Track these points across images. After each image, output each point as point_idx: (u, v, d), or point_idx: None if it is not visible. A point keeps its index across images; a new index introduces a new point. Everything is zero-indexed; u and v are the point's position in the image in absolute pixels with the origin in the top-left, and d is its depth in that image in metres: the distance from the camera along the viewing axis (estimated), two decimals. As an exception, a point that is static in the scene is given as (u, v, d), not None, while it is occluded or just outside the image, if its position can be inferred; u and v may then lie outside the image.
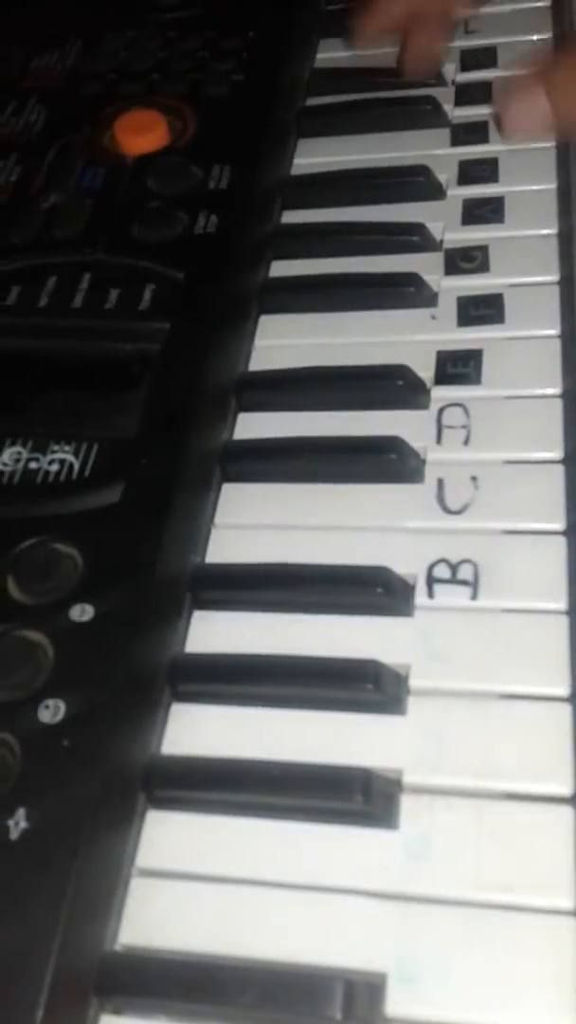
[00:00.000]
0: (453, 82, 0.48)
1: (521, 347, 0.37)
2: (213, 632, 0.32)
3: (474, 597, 0.31)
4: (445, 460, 0.34)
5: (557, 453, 0.34)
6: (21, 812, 0.26)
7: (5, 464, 0.34)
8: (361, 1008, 0.24)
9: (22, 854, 0.25)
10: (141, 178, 0.43)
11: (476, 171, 0.43)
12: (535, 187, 0.42)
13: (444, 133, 0.45)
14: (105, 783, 0.27)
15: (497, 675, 0.29)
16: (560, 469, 0.33)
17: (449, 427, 0.35)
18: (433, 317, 0.39)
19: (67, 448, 0.34)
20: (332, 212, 0.43)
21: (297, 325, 0.40)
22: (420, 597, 0.31)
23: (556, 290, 0.38)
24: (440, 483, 0.34)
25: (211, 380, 0.36)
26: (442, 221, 0.42)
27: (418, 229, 0.41)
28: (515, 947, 0.25)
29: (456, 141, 0.45)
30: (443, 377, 0.36)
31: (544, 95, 0.37)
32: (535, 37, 0.48)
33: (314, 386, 0.37)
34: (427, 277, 0.40)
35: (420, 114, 0.46)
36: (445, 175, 0.43)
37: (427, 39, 0.46)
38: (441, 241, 0.41)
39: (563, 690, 0.29)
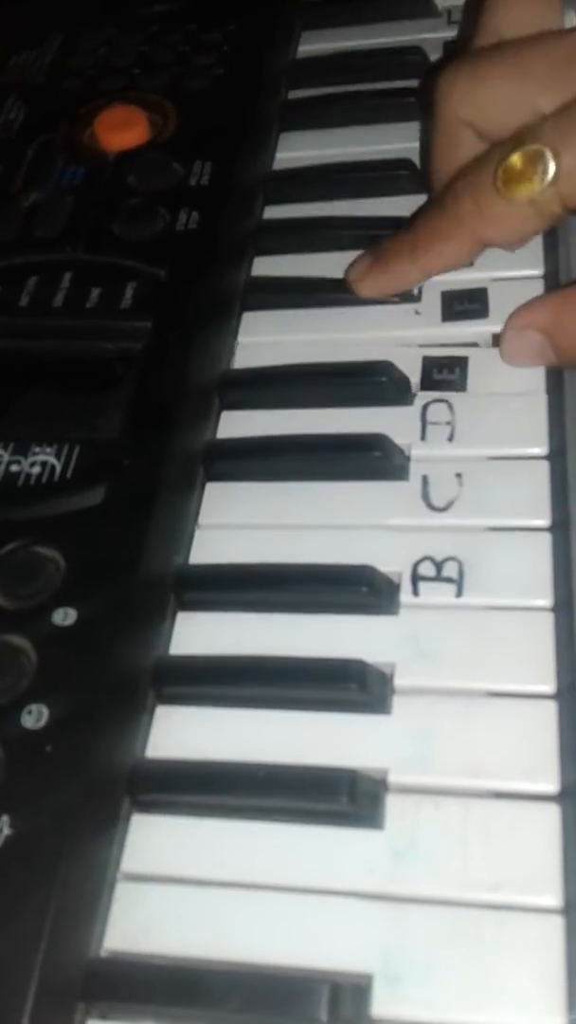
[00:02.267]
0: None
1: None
2: (197, 634, 0.32)
3: (459, 595, 0.31)
4: (429, 457, 0.34)
5: (542, 449, 0.33)
6: (5, 819, 0.26)
7: (-14, 467, 0.34)
8: (347, 1009, 0.24)
9: (6, 860, 0.25)
10: (122, 175, 0.43)
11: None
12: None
13: (427, 127, 0.45)
14: (89, 788, 0.27)
15: (483, 673, 0.29)
16: (545, 465, 0.33)
17: (433, 423, 0.35)
18: (417, 312, 0.38)
19: (49, 450, 0.34)
20: (315, 207, 0.43)
21: (280, 322, 0.39)
22: (405, 595, 0.31)
23: (541, 284, 0.38)
24: (425, 480, 0.34)
25: (194, 378, 0.36)
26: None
27: (401, 223, 0.41)
28: (502, 946, 0.25)
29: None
30: (429, 384, 0.36)
31: (539, 335, 0.35)
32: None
33: (297, 383, 0.37)
34: (411, 272, 0.39)
35: (403, 107, 0.46)
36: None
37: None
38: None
39: (549, 687, 0.29)
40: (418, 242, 0.38)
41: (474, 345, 0.37)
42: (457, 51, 0.42)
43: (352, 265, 0.39)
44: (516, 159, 0.33)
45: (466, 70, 0.37)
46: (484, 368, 0.36)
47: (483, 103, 0.37)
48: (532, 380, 0.35)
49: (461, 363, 0.36)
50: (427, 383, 0.36)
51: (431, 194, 0.40)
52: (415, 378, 0.36)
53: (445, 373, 0.36)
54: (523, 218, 0.35)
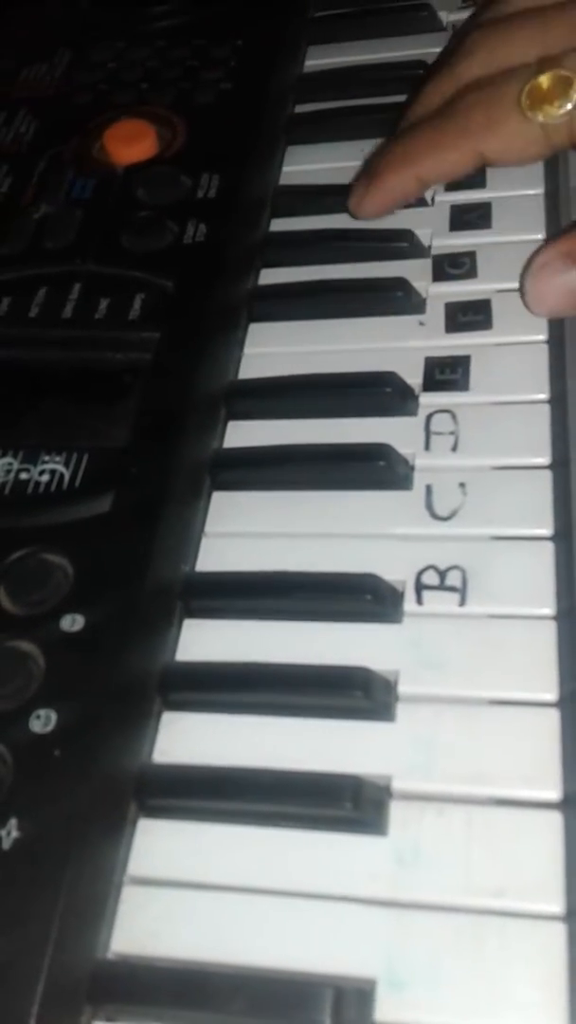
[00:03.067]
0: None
1: (509, 353, 0.37)
2: (204, 640, 0.32)
3: (463, 603, 0.31)
4: (433, 466, 0.35)
5: (545, 458, 0.34)
6: (12, 822, 0.26)
7: (-4, 475, 0.34)
8: (351, 1014, 0.24)
9: (14, 864, 0.26)
10: (131, 188, 0.44)
11: (463, 177, 0.43)
12: (523, 192, 0.42)
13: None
14: (96, 792, 0.27)
15: (486, 681, 0.29)
16: (548, 475, 0.33)
17: (437, 433, 0.35)
18: (421, 323, 0.39)
19: (57, 458, 0.34)
20: (321, 220, 0.43)
21: (286, 333, 0.40)
22: (409, 604, 0.31)
23: (543, 295, 0.38)
24: (428, 489, 0.34)
25: (201, 388, 0.37)
26: (430, 227, 0.42)
27: (406, 236, 0.41)
28: (505, 952, 0.25)
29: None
30: (431, 384, 0.37)
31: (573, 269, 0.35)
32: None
33: (303, 394, 0.37)
34: (415, 283, 0.40)
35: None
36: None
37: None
38: (429, 247, 0.41)
39: (551, 696, 0.29)
40: (416, 151, 0.39)
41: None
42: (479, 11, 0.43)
43: (350, 191, 0.41)
44: (544, 80, 0.35)
45: (492, 31, 0.39)
46: (487, 368, 0.36)
47: (504, 65, 0.38)
48: (536, 389, 0.35)
49: (464, 363, 0.37)
50: (430, 384, 0.36)
51: (407, 122, 0.42)
52: (418, 379, 0.37)
53: (448, 373, 0.36)
54: (530, 140, 0.37)
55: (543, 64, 0.36)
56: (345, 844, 0.27)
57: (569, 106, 0.35)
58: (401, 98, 0.47)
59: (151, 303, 0.39)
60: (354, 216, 0.40)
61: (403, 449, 0.35)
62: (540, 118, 0.36)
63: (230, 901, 0.27)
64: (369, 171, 0.40)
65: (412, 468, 0.35)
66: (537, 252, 0.37)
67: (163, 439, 0.34)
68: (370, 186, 0.40)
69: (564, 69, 0.36)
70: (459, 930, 0.26)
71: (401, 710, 0.29)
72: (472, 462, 0.34)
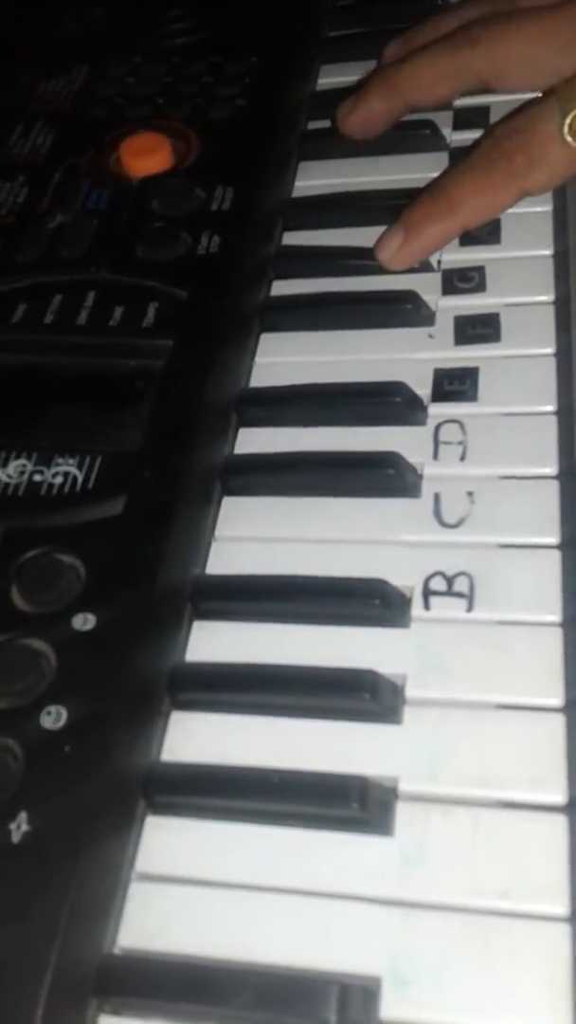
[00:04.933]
0: (452, 106, 0.49)
1: (517, 365, 0.37)
2: (213, 642, 0.32)
3: (470, 609, 0.31)
4: (442, 475, 0.35)
5: (552, 469, 0.34)
6: (23, 816, 0.26)
7: (10, 476, 0.34)
8: (355, 1011, 0.25)
9: (23, 858, 0.26)
10: (145, 199, 0.44)
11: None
12: (531, 209, 0.42)
13: (443, 156, 0.46)
14: (106, 788, 0.27)
15: (492, 686, 0.30)
16: (555, 484, 0.34)
17: (446, 443, 0.36)
18: (431, 336, 0.39)
19: (71, 461, 0.35)
20: (332, 233, 0.44)
21: (297, 343, 0.40)
22: (417, 609, 0.32)
23: (551, 310, 0.39)
24: (437, 498, 0.34)
25: (213, 396, 0.37)
26: (440, 242, 0.42)
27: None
28: (509, 953, 0.25)
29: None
30: (440, 394, 0.37)
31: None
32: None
33: (313, 402, 0.38)
34: (425, 297, 0.40)
35: (419, 138, 0.47)
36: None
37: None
38: (439, 262, 0.42)
39: (557, 701, 0.29)
40: (460, 200, 0.40)
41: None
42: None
43: (381, 243, 0.41)
44: None
45: (493, 27, 0.41)
46: (495, 379, 0.37)
47: (503, 61, 0.41)
48: (543, 401, 0.36)
49: (472, 374, 0.37)
50: (439, 394, 0.37)
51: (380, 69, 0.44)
52: (427, 390, 0.37)
53: (456, 384, 0.37)
54: (571, 164, 0.38)
55: (565, 96, 0.38)
56: (351, 844, 0.27)
57: None
58: (413, 116, 0.48)
59: (165, 312, 0.39)
60: (386, 267, 0.41)
61: (412, 458, 0.35)
62: None
63: (237, 898, 0.27)
64: (405, 224, 0.41)
65: (421, 476, 0.35)
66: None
67: (175, 444, 0.35)
68: (409, 237, 0.41)
69: None
70: (464, 930, 0.26)
71: (408, 713, 0.30)
72: (480, 471, 0.35)
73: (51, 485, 0.34)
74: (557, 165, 0.39)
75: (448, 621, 0.31)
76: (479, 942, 0.25)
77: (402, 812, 0.28)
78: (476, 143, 0.42)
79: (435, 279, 0.41)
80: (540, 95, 0.41)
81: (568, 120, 0.37)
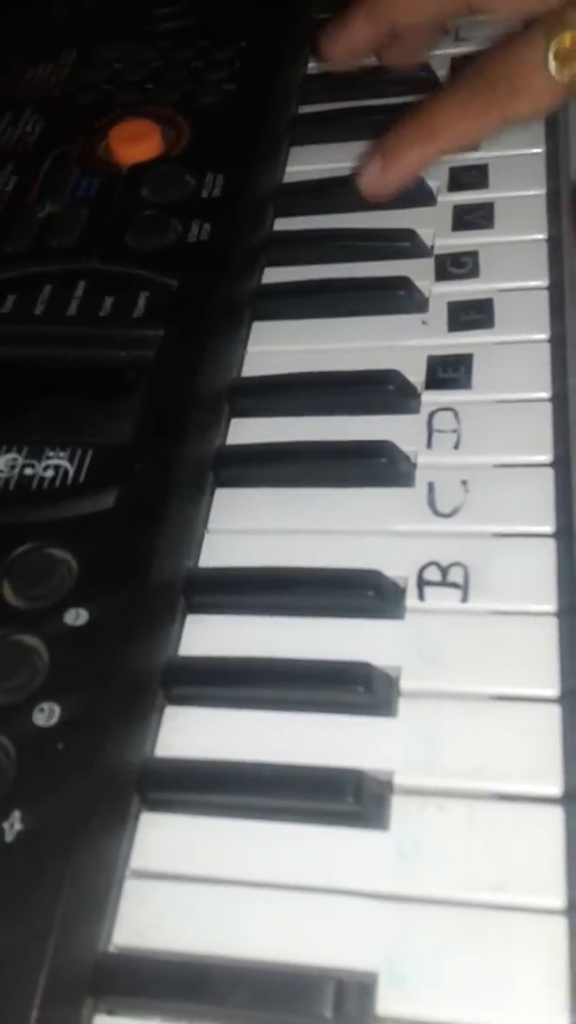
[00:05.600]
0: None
1: (511, 351, 0.37)
2: (206, 635, 0.32)
3: (464, 599, 0.31)
4: (435, 464, 0.35)
5: (546, 456, 0.34)
6: (16, 814, 0.26)
7: (1, 470, 0.34)
8: (352, 1007, 0.25)
9: (17, 856, 0.26)
10: (135, 187, 0.44)
11: (466, 177, 0.43)
12: (525, 192, 0.42)
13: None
14: (99, 785, 0.27)
15: (487, 677, 0.30)
16: (550, 472, 0.34)
17: (439, 431, 0.35)
18: (424, 322, 0.39)
19: (62, 454, 0.34)
20: (324, 219, 0.44)
21: (289, 331, 0.40)
22: (411, 600, 0.32)
23: (546, 295, 0.38)
24: (431, 487, 0.34)
25: (204, 386, 0.37)
26: (432, 227, 0.42)
27: (409, 235, 0.41)
28: (506, 946, 0.25)
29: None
30: (434, 382, 0.37)
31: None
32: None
33: (306, 391, 0.37)
34: (418, 283, 0.40)
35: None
36: (435, 181, 0.43)
37: (403, 55, 0.45)
38: (432, 247, 0.42)
39: (552, 691, 0.29)
40: (439, 125, 0.39)
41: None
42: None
43: (361, 172, 0.41)
44: (568, 39, 0.36)
45: None
46: (489, 366, 0.37)
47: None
48: (538, 387, 0.36)
49: (466, 361, 0.37)
50: (432, 382, 0.37)
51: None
52: (420, 377, 0.37)
53: (450, 371, 0.37)
54: (555, 95, 0.38)
55: (550, 25, 0.37)
56: (346, 838, 0.27)
57: None
58: (405, 99, 0.47)
59: (155, 301, 0.39)
60: (365, 195, 0.41)
61: (405, 447, 0.35)
62: (567, 77, 0.37)
63: (232, 894, 0.27)
64: (385, 149, 0.40)
65: (414, 465, 0.35)
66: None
67: (167, 436, 0.35)
68: (388, 163, 0.40)
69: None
70: (460, 924, 0.26)
71: (403, 705, 0.29)
72: (474, 460, 0.35)
73: (42, 479, 0.34)
74: (540, 95, 0.38)
75: (443, 612, 0.31)
76: (475, 936, 0.25)
77: (397, 805, 0.28)
78: (460, 72, 0.41)
79: (428, 264, 0.41)
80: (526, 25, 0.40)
81: (553, 50, 0.37)
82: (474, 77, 0.39)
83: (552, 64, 0.37)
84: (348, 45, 0.43)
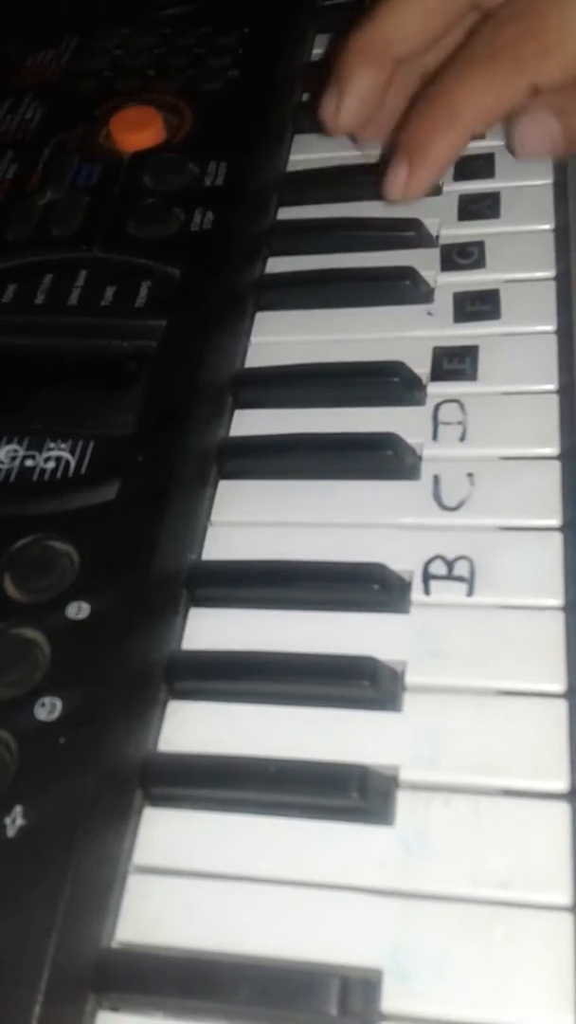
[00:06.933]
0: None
1: (517, 343, 0.37)
2: (209, 629, 0.32)
3: (470, 593, 0.31)
4: (441, 456, 0.34)
5: (553, 449, 0.34)
6: (18, 810, 0.26)
7: (1, 462, 0.34)
8: (357, 1004, 0.24)
9: (19, 852, 0.25)
10: (137, 175, 0.43)
11: (472, 167, 0.43)
12: (531, 182, 0.42)
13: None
14: (102, 780, 0.27)
15: (493, 671, 0.29)
16: (556, 465, 0.33)
17: (445, 423, 0.35)
18: (429, 313, 0.39)
19: (63, 446, 0.34)
20: (328, 208, 0.43)
21: (293, 321, 0.40)
22: (416, 593, 0.31)
23: (552, 286, 0.38)
24: (436, 479, 0.34)
25: (207, 377, 0.36)
26: (438, 217, 0.42)
27: (414, 225, 0.41)
28: (511, 943, 0.25)
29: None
30: (439, 373, 0.36)
31: (554, 118, 0.33)
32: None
33: (310, 383, 0.37)
34: (424, 273, 0.40)
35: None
36: (441, 171, 0.43)
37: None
38: (437, 237, 0.41)
39: (559, 686, 0.29)
40: (459, 105, 0.34)
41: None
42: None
43: (388, 180, 0.36)
44: None
45: None
46: (495, 358, 0.36)
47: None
48: (544, 379, 0.35)
49: (472, 352, 0.36)
50: (438, 373, 0.36)
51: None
52: (426, 369, 0.37)
53: (456, 363, 0.36)
54: None
55: None
56: (351, 834, 0.27)
57: None
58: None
59: (157, 291, 0.39)
60: (396, 200, 0.36)
61: (411, 439, 0.35)
62: None
63: (236, 890, 0.27)
64: (407, 148, 0.35)
65: (420, 458, 0.35)
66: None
67: (169, 427, 0.34)
68: (416, 161, 0.35)
69: None
70: (466, 920, 0.25)
71: (408, 700, 0.29)
72: (480, 452, 0.34)
73: (43, 470, 0.34)
74: (572, 57, 0.32)
75: (448, 606, 0.31)
76: (481, 932, 0.25)
77: (402, 801, 0.27)
78: (474, 30, 0.35)
79: (434, 255, 0.40)
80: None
81: None
82: (492, 38, 0.33)
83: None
84: (429, 178, 0.36)
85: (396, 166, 0.36)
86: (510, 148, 0.35)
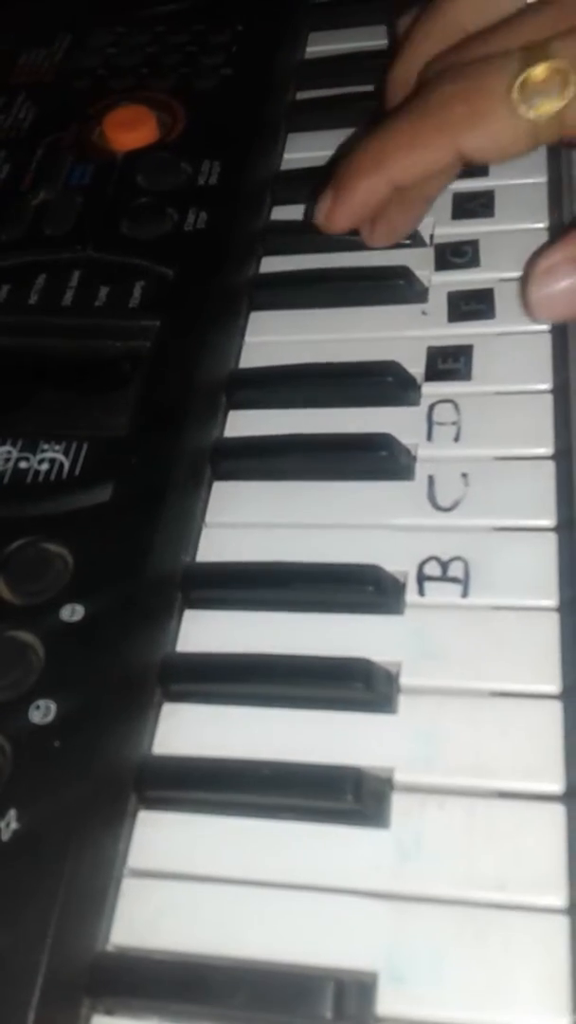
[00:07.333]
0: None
1: (512, 343, 0.37)
2: (204, 631, 0.32)
3: (465, 594, 0.31)
4: (436, 457, 0.34)
5: (548, 449, 0.34)
6: (12, 813, 0.26)
7: (-5, 464, 0.34)
8: (352, 1007, 0.24)
9: (13, 855, 0.25)
10: (130, 174, 0.43)
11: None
12: (525, 181, 0.41)
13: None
14: (96, 784, 0.27)
15: (488, 673, 0.29)
16: (551, 465, 0.33)
17: (439, 423, 0.35)
18: (424, 312, 0.39)
19: (57, 447, 0.34)
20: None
21: (288, 321, 0.40)
22: (411, 595, 0.31)
23: (546, 285, 0.38)
24: (431, 480, 0.34)
25: (201, 377, 0.36)
26: (432, 216, 0.41)
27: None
28: (507, 945, 0.25)
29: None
30: (434, 373, 0.36)
31: None
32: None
33: (304, 383, 0.37)
34: (418, 272, 0.40)
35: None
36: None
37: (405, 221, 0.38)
38: (431, 236, 0.41)
39: (554, 688, 0.29)
40: (387, 153, 0.34)
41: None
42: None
43: (317, 204, 0.37)
44: (540, 71, 0.31)
45: (464, 4, 0.36)
46: (489, 357, 0.36)
47: (490, 9, 0.35)
48: (539, 379, 0.35)
49: (466, 352, 0.36)
50: (432, 373, 0.36)
51: (388, 103, 0.38)
52: (420, 368, 0.36)
53: (450, 362, 0.36)
54: (517, 135, 0.33)
55: (531, 53, 0.32)
56: (346, 836, 0.27)
57: (566, 101, 0.31)
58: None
59: (151, 291, 0.38)
60: (322, 230, 0.37)
61: (405, 439, 0.35)
62: (532, 114, 0.32)
63: (231, 894, 0.26)
64: (336, 179, 0.36)
65: (414, 458, 0.34)
66: (539, 256, 0.34)
67: (163, 428, 0.34)
68: (338, 195, 0.35)
69: (557, 59, 0.31)
70: (461, 923, 0.25)
71: (403, 702, 0.29)
72: (474, 452, 0.34)
73: (37, 472, 0.33)
74: (500, 131, 0.32)
75: (443, 607, 0.31)
76: (476, 935, 0.25)
77: (397, 803, 0.27)
78: (422, 81, 0.36)
79: (428, 254, 0.40)
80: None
81: (521, 77, 0.31)
82: (431, 92, 0.34)
83: (515, 94, 0.31)
84: (348, 216, 0.36)
85: (322, 196, 0.37)
86: (529, 309, 0.35)
